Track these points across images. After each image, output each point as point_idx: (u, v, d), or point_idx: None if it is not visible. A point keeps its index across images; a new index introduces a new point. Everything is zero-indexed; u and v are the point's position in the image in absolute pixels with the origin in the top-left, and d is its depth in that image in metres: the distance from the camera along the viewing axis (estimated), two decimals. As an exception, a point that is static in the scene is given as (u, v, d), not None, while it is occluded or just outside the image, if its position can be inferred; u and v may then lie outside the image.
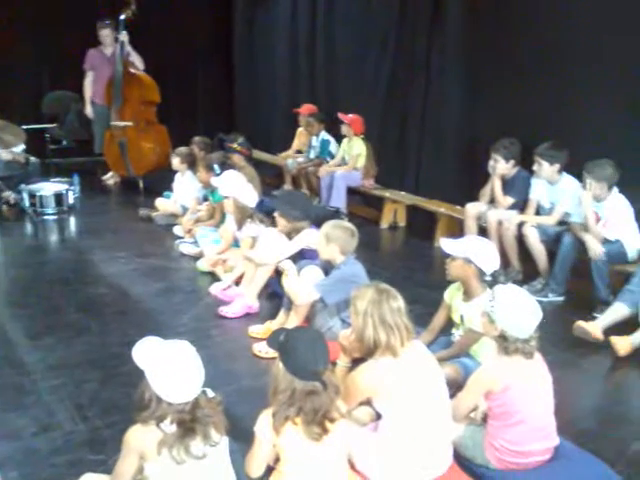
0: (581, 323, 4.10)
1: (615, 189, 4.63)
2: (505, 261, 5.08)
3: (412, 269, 5.48)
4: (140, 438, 2.17)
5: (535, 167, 5.11)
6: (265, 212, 4.92)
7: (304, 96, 8.37)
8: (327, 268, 3.92)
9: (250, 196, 4.81)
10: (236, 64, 10.29)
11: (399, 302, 2.71)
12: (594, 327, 4.07)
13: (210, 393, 2.28)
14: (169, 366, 2.15)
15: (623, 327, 4.07)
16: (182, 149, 6.62)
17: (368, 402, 2.86)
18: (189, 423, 2.17)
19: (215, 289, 4.62)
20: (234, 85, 10.43)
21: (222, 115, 10.22)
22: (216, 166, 5.74)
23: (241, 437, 2.51)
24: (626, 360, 3.88)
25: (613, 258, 4.52)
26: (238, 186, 4.84)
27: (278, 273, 4.13)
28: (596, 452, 2.83)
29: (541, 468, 2.66)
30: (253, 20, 9.68)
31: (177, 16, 9.51)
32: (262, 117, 9.56)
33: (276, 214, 4.45)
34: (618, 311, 4.15)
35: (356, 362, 2.82)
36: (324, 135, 7.62)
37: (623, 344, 3.90)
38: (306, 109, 7.87)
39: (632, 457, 2.92)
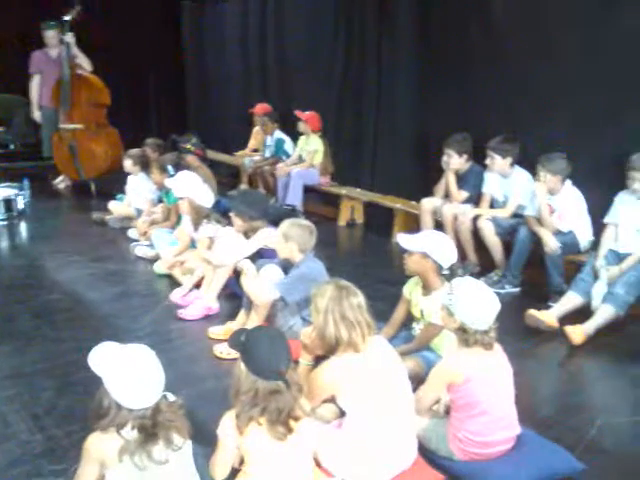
0: (533, 312, 4.18)
1: (568, 181, 4.73)
2: (462, 254, 5.14)
3: (371, 265, 5.51)
4: (100, 446, 2.12)
5: (488, 161, 5.19)
6: (222, 212, 4.88)
7: (257, 95, 8.33)
8: (286, 267, 3.90)
9: (205, 196, 4.76)
10: (187, 64, 10.17)
11: (359, 298, 2.72)
12: (548, 316, 4.15)
13: (171, 397, 2.24)
14: (127, 371, 2.10)
15: (577, 316, 4.17)
16: (134, 151, 6.52)
17: (332, 399, 2.86)
18: (150, 428, 2.13)
19: (175, 296, 4.52)
20: (185, 85, 10.30)
21: (174, 116, 10.10)
22: (170, 167, 5.67)
23: (205, 440, 2.48)
24: (581, 348, 3.97)
25: (566, 249, 4.62)
26: (193, 187, 4.78)
27: (237, 273, 4.09)
28: (556, 439, 2.89)
29: (504, 457, 2.70)
30: (203, 19, 9.58)
31: (125, 16, 9.36)
32: (215, 117, 9.48)
33: (232, 214, 4.42)
34: (571, 300, 4.25)
35: (319, 360, 2.81)
36: (278, 134, 7.61)
37: (577, 333, 3.98)
38: (260, 109, 7.84)
39: (590, 443, 2.98)
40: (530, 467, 2.62)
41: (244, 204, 4.39)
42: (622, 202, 4.42)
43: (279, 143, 7.60)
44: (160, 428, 2.15)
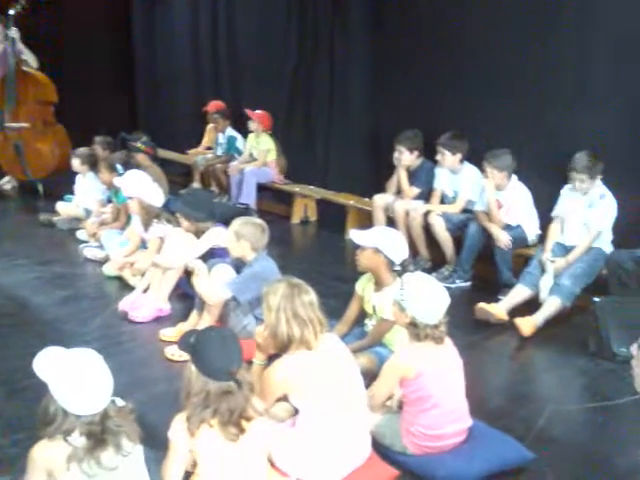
0: (483, 305, 4.25)
1: (514, 177, 4.83)
2: (414, 250, 5.20)
3: (324, 263, 5.51)
4: (46, 454, 2.06)
5: (438, 157, 5.26)
6: (172, 212, 4.80)
7: (209, 92, 8.23)
8: (238, 266, 3.87)
9: (156, 196, 4.68)
10: (137, 61, 9.98)
11: (311, 296, 2.72)
12: (497, 309, 4.23)
13: (120, 402, 2.19)
14: (73, 377, 2.05)
15: (526, 308, 4.25)
16: (82, 150, 6.36)
17: (285, 398, 2.86)
18: (99, 434, 2.08)
19: (125, 304, 4.37)
20: (136, 83, 10.12)
21: (124, 114, 9.89)
22: (119, 166, 5.56)
23: (157, 444, 2.43)
24: (530, 340, 4.06)
25: (515, 242, 4.72)
26: (142, 186, 4.70)
27: (188, 273, 4.04)
28: (506, 430, 2.95)
29: (456, 450, 2.74)
30: (152, 16, 9.41)
31: (73, 11, 9.11)
32: (167, 115, 9.31)
33: (178, 216, 4.36)
34: (520, 293, 4.34)
35: (272, 359, 2.80)
36: (230, 132, 7.53)
37: (527, 325, 4.07)
38: (213, 106, 7.74)
39: (539, 433, 3.05)
40: (481, 458, 2.67)
41: (188, 206, 4.33)
42: (567, 196, 4.53)
43: (231, 141, 7.53)
44: (109, 434, 2.10)
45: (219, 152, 7.65)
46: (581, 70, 4.72)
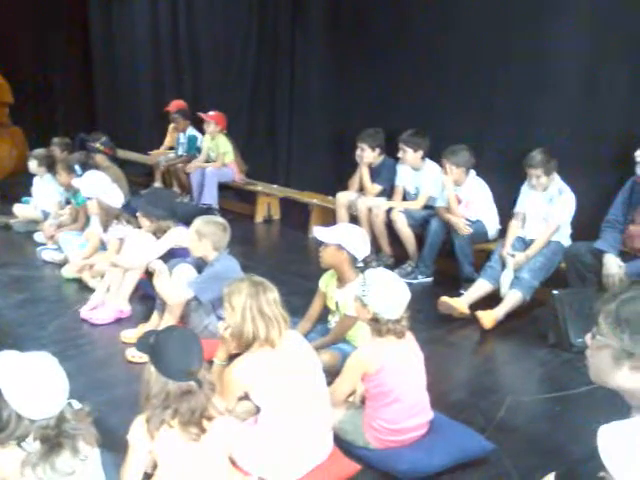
0: (445, 299, 4.30)
1: (472, 172, 4.89)
2: (377, 247, 5.23)
3: (288, 261, 5.50)
4: (-1, 461, 2.01)
5: (400, 154, 5.29)
6: (132, 213, 4.74)
7: (170, 92, 8.15)
8: (200, 265, 3.84)
9: (115, 196, 4.61)
10: (95, 61, 9.83)
11: (274, 293, 2.71)
12: (459, 303, 4.28)
13: (76, 404, 2.15)
14: (27, 380, 2.00)
15: (487, 302, 4.31)
16: (39, 151, 6.24)
17: (247, 397, 2.84)
18: (54, 438, 2.03)
19: (85, 311, 4.28)
20: (94, 83, 9.96)
21: (83, 114, 9.73)
22: (77, 167, 5.47)
23: (117, 447, 2.39)
24: (491, 333, 4.11)
25: (475, 237, 4.78)
26: (101, 186, 4.63)
27: (149, 274, 3.99)
28: (467, 422, 2.99)
29: (417, 443, 2.76)
30: (111, 15, 9.27)
31: (29, 11, 8.93)
32: (127, 116, 9.20)
33: (139, 214, 4.31)
34: (481, 287, 4.40)
35: (232, 359, 2.78)
36: (191, 131, 7.47)
37: (488, 318, 4.12)
38: (174, 106, 7.66)
39: (500, 424, 3.09)
40: (442, 451, 2.69)
41: (150, 204, 4.29)
42: (527, 192, 4.60)
43: (192, 140, 7.46)
44: (65, 437, 2.06)
45: (180, 152, 7.58)
46: (539, 68, 4.79)
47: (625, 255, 3.97)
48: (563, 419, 3.17)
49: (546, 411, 3.27)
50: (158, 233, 4.29)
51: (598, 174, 4.54)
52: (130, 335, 3.87)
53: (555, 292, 3.92)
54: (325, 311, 3.69)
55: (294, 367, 2.65)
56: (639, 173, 3.97)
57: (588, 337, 1.66)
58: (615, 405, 1.78)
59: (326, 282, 3.66)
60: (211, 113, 6.93)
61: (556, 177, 4.45)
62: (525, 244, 4.52)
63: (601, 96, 4.49)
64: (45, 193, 6.06)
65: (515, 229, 4.60)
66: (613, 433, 1.18)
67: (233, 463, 2.53)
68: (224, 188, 6.99)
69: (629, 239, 4.03)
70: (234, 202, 7.24)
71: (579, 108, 4.62)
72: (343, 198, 5.65)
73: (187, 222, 4.05)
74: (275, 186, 6.91)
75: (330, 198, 6.07)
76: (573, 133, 4.65)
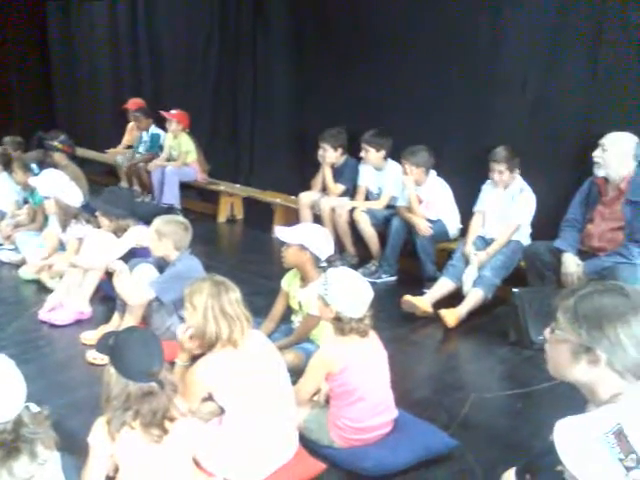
0: (408, 298, 4.33)
1: (433, 172, 4.94)
2: (340, 246, 5.24)
3: (251, 261, 5.47)
4: (-46, 467, 1.94)
5: (362, 154, 5.31)
6: (92, 212, 4.65)
7: (130, 91, 8.04)
8: (162, 265, 3.79)
9: (73, 195, 4.53)
10: (53, 61, 9.63)
11: (237, 293, 2.69)
12: (422, 302, 4.31)
13: (35, 408, 2.10)
14: (-19, 384, 1.94)
15: (450, 300, 4.35)
16: (-7, 150, 6.08)
17: (210, 397, 2.81)
18: (12, 443, 1.98)
19: (44, 313, 4.18)
20: (53, 82, 9.76)
21: (41, 114, 9.52)
22: (34, 165, 5.35)
23: (78, 451, 2.36)
24: (454, 331, 4.16)
25: (436, 236, 4.83)
26: (59, 185, 4.54)
27: (109, 274, 3.92)
28: (431, 419, 3.02)
29: (381, 441, 2.77)
30: (69, 13, 9.09)
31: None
32: (86, 114, 9.04)
33: (98, 214, 4.24)
34: (444, 285, 4.44)
35: (195, 360, 2.75)
36: (154, 129, 7.36)
37: (451, 316, 4.16)
38: (133, 104, 7.57)
39: (463, 420, 3.12)
40: (406, 448, 2.70)
41: (108, 203, 4.22)
42: (488, 191, 4.67)
43: (155, 138, 7.35)
44: (23, 442, 2.01)
45: (141, 150, 7.47)
46: (498, 68, 4.86)
47: (583, 254, 4.05)
48: (525, 415, 3.22)
49: (508, 407, 3.32)
50: (118, 232, 4.23)
51: (557, 174, 4.62)
52: (90, 337, 3.79)
53: (515, 290, 3.98)
54: (288, 311, 3.68)
55: (258, 367, 2.63)
56: (597, 173, 4.05)
57: (547, 332, 1.69)
58: (575, 400, 1.81)
59: (289, 282, 3.65)
60: (173, 112, 6.85)
61: (518, 176, 4.53)
62: (486, 243, 4.58)
63: (560, 96, 4.57)
64: (1, 192, 5.89)
65: (476, 228, 4.66)
66: (568, 427, 1.20)
67: (197, 464, 2.50)
68: (186, 188, 6.91)
69: (587, 238, 4.11)
70: (196, 202, 7.17)
71: (538, 108, 4.70)
72: (306, 198, 5.65)
73: (148, 221, 4.00)
74: (238, 186, 6.87)
75: (293, 198, 6.05)
76: (532, 133, 4.72)
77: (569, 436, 1.19)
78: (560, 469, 1.38)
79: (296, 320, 3.63)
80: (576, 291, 1.63)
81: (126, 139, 7.94)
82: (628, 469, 1.09)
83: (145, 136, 7.45)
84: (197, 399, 2.64)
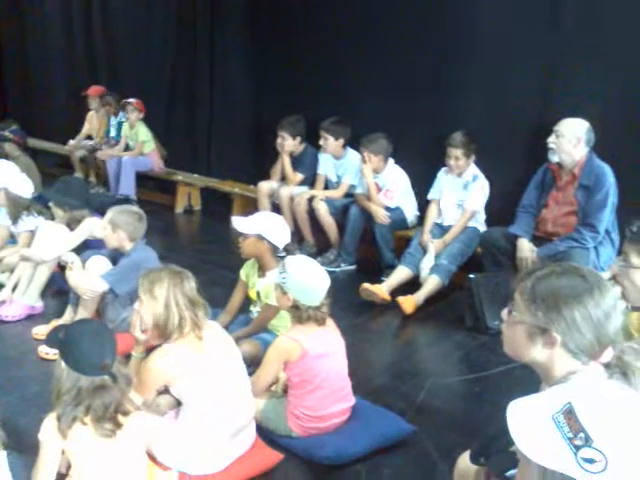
0: (367, 286, 4.34)
1: (391, 160, 4.95)
2: (299, 236, 5.23)
3: (210, 252, 5.41)
4: None
5: (321, 142, 5.29)
6: (44, 204, 4.54)
7: (84, 80, 7.84)
8: (116, 257, 3.71)
9: (24, 186, 4.39)
10: (4, 48, 9.34)
11: (194, 282, 2.65)
12: (380, 289, 4.33)
13: (-20, 405, 2.04)
14: None
15: (408, 288, 4.38)
16: (-62, 141, 5.88)
17: (166, 390, 2.77)
18: (-45, 442, 1.92)
19: None
20: (3, 71, 9.47)
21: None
22: (-19, 157, 5.18)
23: (30, 448, 2.31)
24: (412, 318, 4.18)
25: (395, 224, 4.84)
26: (9, 176, 4.39)
27: (62, 267, 3.83)
28: (389, 405, 3.04)
29: (339, 429, 2.78)
30: (21, 2, 8.82)
31: None
32: (39, 105, 8.80)
33: (51, 204, 4.14)
34: (401, 273, 4.47)
35: (151, 351, 2.70)
36: (123, 117, 7.16)
37: (408, 303, 4.19)
38: (95, 90, 7.37)
39: (420, 406, 3.15)
40: (364, 436, 2.71)
41: (61, 193, 4.12)
42: (443, 178, 4.70)
43: (120, 126, 7.18)
44: (-33, 441, 1.95)
45: (113, 134, 7.25)
46: (455, 57, 4.88)
47: (538, 239, 4.12)
48: (481, 399, 3.26)
49: (465, 392, 3.37)
50: (72, 224, 4.14)
51: (512, 161, 4.67)
52: (43, 331, 3.67)
53: (471, 276, 4.03)
54: (247, 301, 3.65)
55: (214, 358, 2.60)
56: (551, 159, 4.11)
57: (504, 313, 1.70)
58: (530, 383, 1.83)
59: (246, 272, 3.62)
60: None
61: (472, 163, 4.57)
62: (443, 230, 4.62)
63: (514, 83, 4.62)
64: (-52, 185, 5.70)
65: (432, 216, 4.69)
66: (520, 408, 1.21)
67: (152, 458, 2.47)
68: (143, 178, 6.80)
69: (541, 223, 4.18)
70: (153, 192, 7.05)
71: (493, 96, 4.74)
72: (265, 187, 5.61)
73: (102, 213, 3.91)
74: (196, 175, 6.78)
75: (252, 187, 6.01)
76: (488, 120, 4.76)
77: (521, 416, 1.20)
78: (514, 450, 1.39)
79: (255, 310, 3.60)
80: (533, 272, 1.64)
81: (86, 128, 7.71)
82: (577, 448, 1.10)
83: (113, 120, 7.28)
84: (153, 391, 2.60)
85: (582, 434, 1.11)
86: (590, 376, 1.55)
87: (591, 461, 1.08)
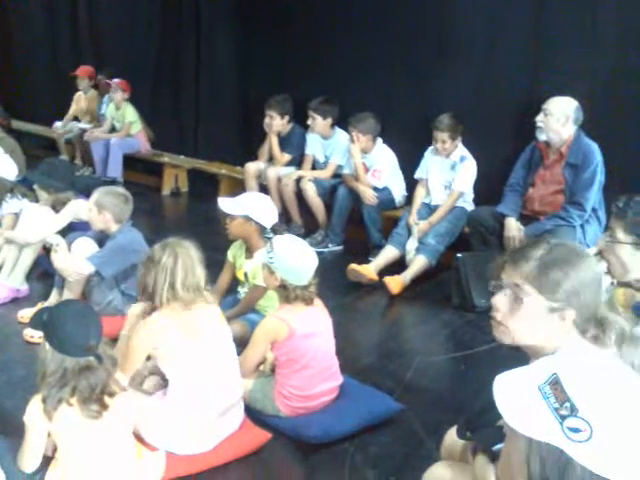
0: (354, 266, 4.33)
1: (379, 140, 4.92)
2: (287, 217, 5.20)
3: (197, 233, 5.24)
4: None
5: (309, 122, 5.25)
6: (29, 186, 4.48)
7: (69, 62, 7.72)
8: (102, 239, 3.68)
9: (7, 168, 4.35)
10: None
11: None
12: (367, 269, 4.32)
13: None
14: None
15: (395, 268, 4.38)
16: None
17: (154, 371, 2.77)
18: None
19: None
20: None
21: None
22: (-36, 139, 5.11)
23: (14, 432, 2.30)
24: (399, 298, 4.19)
25: (382, 204, 4.83)
26: (-8, 158, 4.35)
27: (47, 250, 3.79)
28: (377, 384, 3.05)
29: (327, 408, 2.78)
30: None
31: None
32: (23, 87, 8.67)
33: (36, 186, 4.09)
34: (389, 253, 4.46)
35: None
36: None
37: (395, 283, 4.19)
38: (84, 71, 7.24)
39: (407, 385, 3.16)
40: (351, 414, 2.72)
41: (46, 175, 4.07)
42: (430, 158, 4.68)
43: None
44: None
45: (104, 111, 7.14)
46: (443, 33, 4.85)
47: (525, 218, 4.12)
48: (468, 376, 3.28)
49: (452, 370, 3.39)
50: (57, 206, 4.10)
51: (500, 140, 4.66)
52: (28, 314, 3.63)
53: (458, 255, 4.03)
54: (234, 282, 3.64)
55: (205, 335, 2.59)
56: (539, 137, 4.10)
57: (501, 301, 1.67)
58: (516, 360, 1.83)
59: (234, 253, 3.61)
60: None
61: (459, 144, 4.55)
62: (430, 210, 4.61)
63: (502, 62, 4.60)
64: None
65: (420, 195, 4.68)
66: (507, 381, 1.21)
67: (140, 439, 2.46)
68: (129, 160, 6.73)
69: (529, 202, 4.18)
70: (140, 174, 6.98)
71: (481, 75, 4.72)
72: (252, 168, 5.57)
73: (88, 194, 3.87)
74: (182, 157, 6.72)
75: (239, 168, 5.97)
76: (476, 99, 4.74)
77: (507, 389, 1.20)
78: (500, 424, 1.39)
79: (242, 291, 3.59)
80: (531, 254, 1.62)
81: (73, 109, 7.58)
82: (563, 418, 1.10)
83: (106, 99, 7.16)
84: (139, 360, 2.59)
85: (568, 404, 1.11)
86: (577, 347, 1.55)
87: (576, 430, 1.08)
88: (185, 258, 2.60)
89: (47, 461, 2.26)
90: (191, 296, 2.56)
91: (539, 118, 4.07)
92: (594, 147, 3.97)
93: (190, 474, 2.48)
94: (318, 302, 2.88)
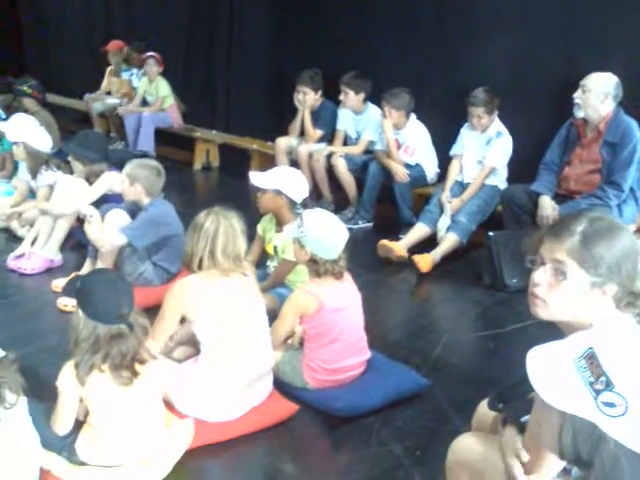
0: (385, 242, 4.31)
1: (413, 116, 4.86)
2: (317, 193, 5.18)
3: (227, 208, 5.37)
4: None
5: (341, 97, 5.20)
6: (63, 159, 4.54)
7: (101, 35, 7.78)
8: (134, 211, 3.72)
9: (43, 140, 4.40)
10: (22, 4, 9.27)
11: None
12: (397, 246, 4.30)
13: (0, 352, 2.07)
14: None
15: (425, 245, 4.34)
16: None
17: (184, 340, 2.81)
18: (-23, 386, 1.95)
19: (13, 262, 4.08)
20: (22, 25, 9.42)
21: (11, 57, 9.22)
22: (0, 111, 5.17)
23: (49, 396, 2.34)
24: (428, 275, 4.15)
25: (414, 181, 4.78)
26: (28, 130, 4.40)
27: (81, 221, 3.85)
28: (405, 360, 3.04)
29: (355, 382, 2.78)
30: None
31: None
32: (57, 61, 8.77)
33: (70, 158, 4.14)
34: (420, 231, 4.43)
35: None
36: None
37: (425, 261, 4.16)
38: (114, 45, 7.30)
39: (435, 361, 3.15)
40: (379, 389, 2.72)
41: (81, 146, 4.11)
42: (466, 134, 4.61)
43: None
44: (-11, 386, 1.98)
45: (135, 84, 7.18)
46: (477, 9, 4.74)
47: (560, 197, 4.04)
48: (497, 355, 3.25)
49: (480, 348, 3.36)
50: (91, 178, 4.14)
51: (536, 116, 4.56)
52: (62, 284, 3.72)
53: (491, 233, 3.97)
54: (264, 256, 3.65)
55: (240, 302, 2.61)
56: (576, 115, 4.00)
57: (543, 277, 1.61)
58: (547, 340, 1.80)
59: (264, 226, 3.62)
60: (151, 53, 6.64)
61: (496, 119, 4.47)
62: (463, 188, 4.55)
63: (539, 37, 4.48)
64: (-33, 140, 5.73)
65: (454, 172, 4.61)
66: (541, 354, 1.19)
67: (169, 406, 2.50)
68: (160, 134, 6.77)
69: (564, 181, 4.09)
70: (171, 149, 7.03)
71: (517, 50, 4.61)
72: (283, 144, 5.55)
73: (121, 168, 3.90)
74: (214, 132, 6.73)
75: (270, 144, 5.95)
76: (511, 75, 4.65)
77: (541, 363, 1.18)
78: (531, 397, 1.37)
79: (271, 265, 3.60)
80: (572, 229, 1.57)
81: (105, 84, 7.65)
82: (597, 392, 1.09)
83: (138, 73, 7.20)
84: (172, 321, 2.60)
85: (603, 378, 1.09)
86: (614, 322, 1.52)
87: (611, 405, 1.07)
88: (227, 226, 2.64)
89: (79, 425, 2.31)
90: (230, 264, 2.58)
91: (577, 94, 3.96)
92: (633, 124, 3.86)
93: (218, 442, 2.51)
94: (347, 277, 2.87)
